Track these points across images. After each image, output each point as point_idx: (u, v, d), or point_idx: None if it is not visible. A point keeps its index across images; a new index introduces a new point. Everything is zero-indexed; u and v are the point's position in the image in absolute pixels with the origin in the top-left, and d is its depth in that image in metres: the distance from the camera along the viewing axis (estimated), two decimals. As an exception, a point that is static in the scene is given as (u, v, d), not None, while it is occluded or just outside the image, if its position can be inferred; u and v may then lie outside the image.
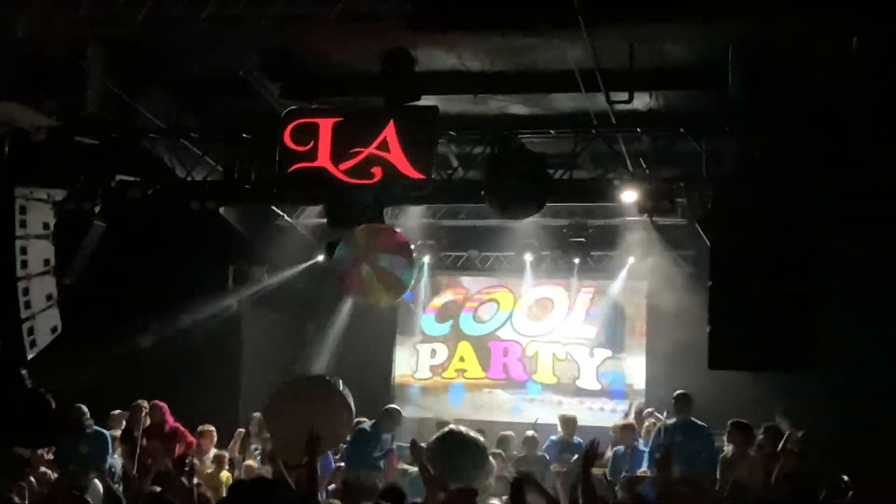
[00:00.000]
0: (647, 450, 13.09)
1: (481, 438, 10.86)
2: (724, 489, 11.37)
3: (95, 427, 13.17)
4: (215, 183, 13.43)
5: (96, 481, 12.25)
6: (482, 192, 12.44)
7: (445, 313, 19.52)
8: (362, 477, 12.69)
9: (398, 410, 13.76)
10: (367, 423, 13.30)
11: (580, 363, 18.61)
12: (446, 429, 10.83)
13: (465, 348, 19.28)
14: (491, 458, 12.84)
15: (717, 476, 11.82)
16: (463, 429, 10.82)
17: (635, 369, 18.20)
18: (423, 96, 12.28)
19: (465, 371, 19.18)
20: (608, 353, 18.49)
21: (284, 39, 12.17)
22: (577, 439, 13.86)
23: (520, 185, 12.14)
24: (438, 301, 19.57)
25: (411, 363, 19.50)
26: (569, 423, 14.27)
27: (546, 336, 18.88)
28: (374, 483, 12.30)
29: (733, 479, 11.34)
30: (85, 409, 13.12)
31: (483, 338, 19.23)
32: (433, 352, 19.44)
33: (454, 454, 10.12)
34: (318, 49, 12.54)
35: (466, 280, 19.55)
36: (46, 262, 13.63)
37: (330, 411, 10.84)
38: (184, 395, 14.21)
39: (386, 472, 12.97)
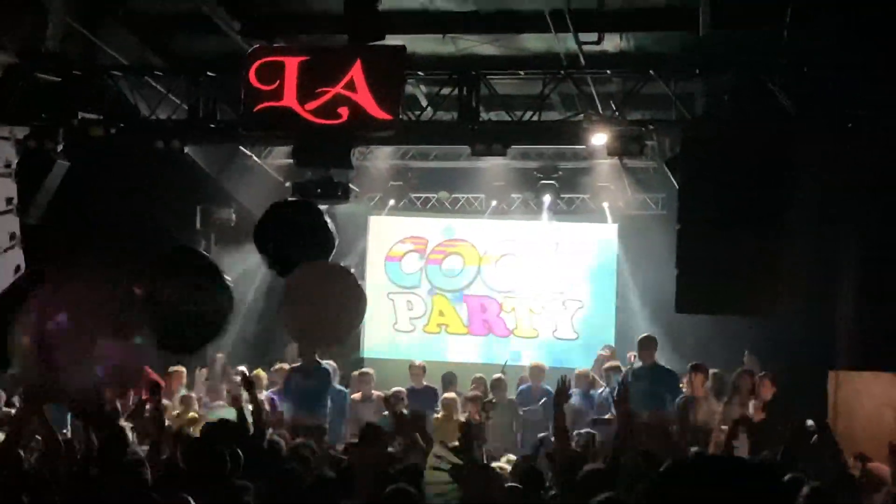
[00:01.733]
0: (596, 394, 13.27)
1: None
2: (685, 433, 11.41)
3: None
4: (180, 122, 13.25)
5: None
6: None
7: (409, 264, 19.00)
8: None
9: None
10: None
11: (555, 316, 18.33)
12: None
13: (441, 302, 18.80)
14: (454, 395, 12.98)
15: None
16: None
17: (606, 315, 18.08)
18: (390, 36, 12.11)
19: (447, 326, 18.73)
20: (579, 302, 18.34)
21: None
22: (546, 386, 13.85)
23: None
24: (398, 250, 19.03)
25: (387, 313, 18.80)
26: (538, 371, 14.23)
27: (518, 291, 18.54)
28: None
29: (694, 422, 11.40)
30: None
31: (456, 292, 18.76)
32: (409, 303, 18.89)
33: None
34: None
35: (422, 229, 19.01)
36: (9, 200, 13.48)
37: (345, 298, 10.64)
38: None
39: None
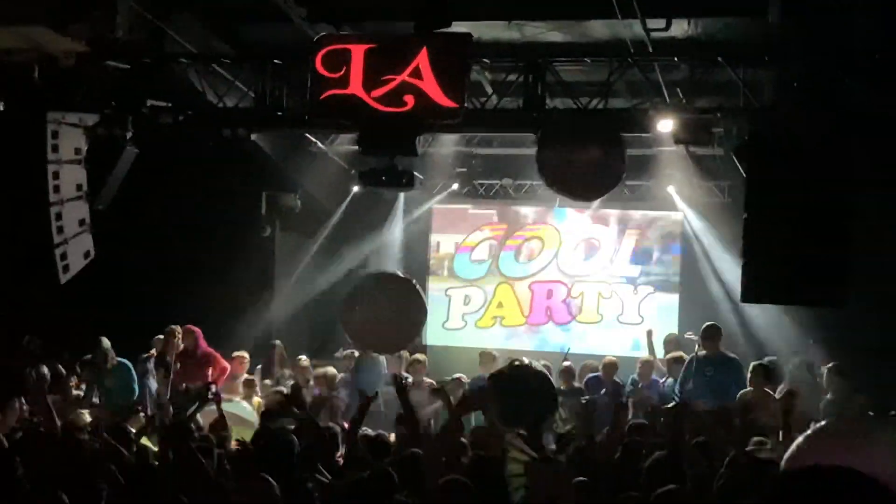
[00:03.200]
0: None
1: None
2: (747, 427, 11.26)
3: (118, 359, 13.06)
4: (247, 110, 13.34)
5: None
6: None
7: (482, 252, 19.02)
8: None
9: None
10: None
11: (624, 300, 18.31)
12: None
13: (504, 292, 18.77)
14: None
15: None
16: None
17: (672, 302, 18.00)
18: (456, 23, 12.11)
19: (502, 318, 18.70)
20: (650, 288, 18.27)
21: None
22: (617, 380, 13.79)
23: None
24: (474, 239, 19.10)
25: (440, 312, 18.80)
26: (610, 367, 14.09)
27: (592, 276, 18.52)
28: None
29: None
30: (105, 340, 13.01)
31: (526, 279, 18.77)
32: (466, 298, 18.92)
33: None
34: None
35: (507, 214, 19.07)
36: (79, 187, 13.67)
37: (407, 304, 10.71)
38: (216, 322, 14.28)
39: None
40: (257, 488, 5.66)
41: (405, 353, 14.74)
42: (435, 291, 18.77)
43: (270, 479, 5.71)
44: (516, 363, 9.09)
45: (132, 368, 13.07)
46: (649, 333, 15.48)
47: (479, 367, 14.15)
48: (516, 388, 8.41)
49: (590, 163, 12.36)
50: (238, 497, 5.66)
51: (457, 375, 13.59)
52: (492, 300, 18.79)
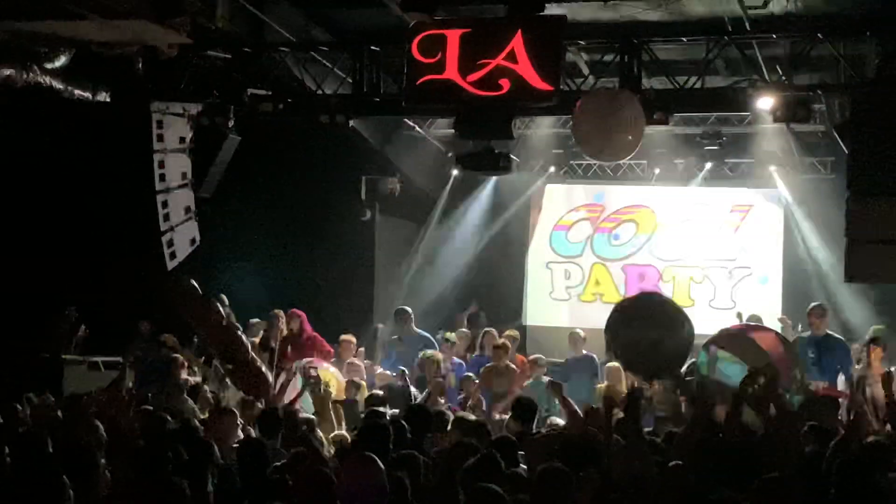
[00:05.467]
0: None
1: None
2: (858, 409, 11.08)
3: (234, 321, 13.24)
4: (345, 96, 13.48)
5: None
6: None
7: (578, 233, 18.96)
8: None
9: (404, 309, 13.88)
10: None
11: (717, 285, 18.06)
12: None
13: (599, 271, 18.72)
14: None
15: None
16: None
17: (773, 282, 17.74)
18: (551, 4, 12.08)
19: (602, 295, 18.53)
20: (748, 270, 18.04)
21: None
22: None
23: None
24: (570, 219, 19.04)
25: (545, 280, 18.97)
26: None
27: (685, 260, 18.32)
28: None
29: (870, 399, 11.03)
30: (225, 298, 12.85)
31: (618, 262, 18.68)
32: (567, 272, 18.88)
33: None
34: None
35: (604, 195, 19.01)
36: (184, 175, 14.00)
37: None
38: (319, 306, 14.50)
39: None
40: (361, 465, 5.75)
41: (467, 332, 14.85)
42: (536, 264, 18.94)
43: (373, 455, 5.79)
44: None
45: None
46: (739, 316, 15.30)
47: (569, 347, 14.18)
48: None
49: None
50: (343, 478, 5.75)
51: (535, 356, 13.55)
52: (590, 277, 18.76)
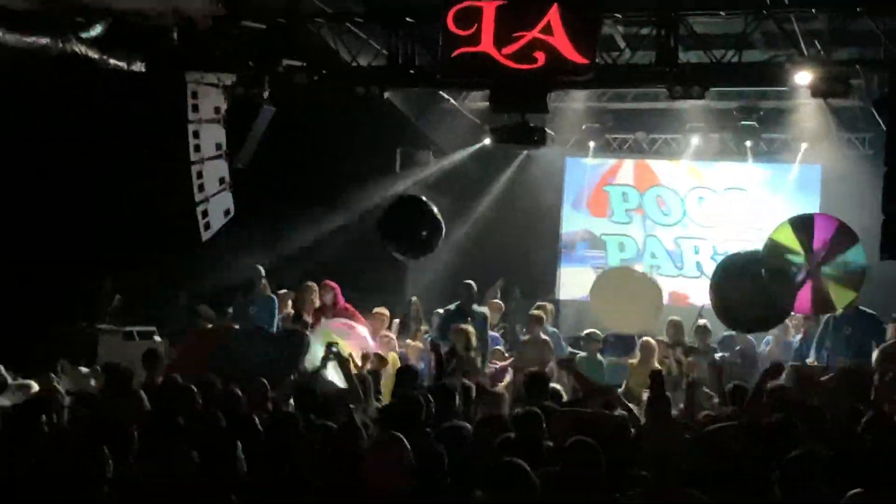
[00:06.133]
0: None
1: None
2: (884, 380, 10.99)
3: (268, 293, 13.31)
4: (379, 68, 13.47)
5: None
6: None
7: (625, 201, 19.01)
8: None
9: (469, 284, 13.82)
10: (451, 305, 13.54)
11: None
12: None
13: (653, 243, 18.72)
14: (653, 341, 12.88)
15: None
16: None
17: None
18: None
19: (658, 268, 18.46)
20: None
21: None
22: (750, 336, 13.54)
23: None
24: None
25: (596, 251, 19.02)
26: None
27: (731, 229, 18.24)
28: None
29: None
30: (262, 270, 13.23)
31: (670, 228, 18.72)
32: (621, 245, 18.90)
33: None
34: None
35: (640, 169, 18.93)
36: (218, 146, 14.04)
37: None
38: (352, 278, 14.51)
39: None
40: (389, 447, 5.75)
41: (500, 303, 14.82)
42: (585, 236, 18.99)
43: (402, 437, 5.79)
44: None
45: (276, 304, 13.34)
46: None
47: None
48: None
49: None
50: (370, 457, 5.76)
51: (590, 331, 13.52)
52: (644, 251, 18.70)
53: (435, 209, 13.14)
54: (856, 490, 5.55)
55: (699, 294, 17.73)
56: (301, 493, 6.00)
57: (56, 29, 11.84)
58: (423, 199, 13.38)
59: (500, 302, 15.21)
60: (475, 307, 13.01)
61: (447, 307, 13.29)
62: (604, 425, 6.95)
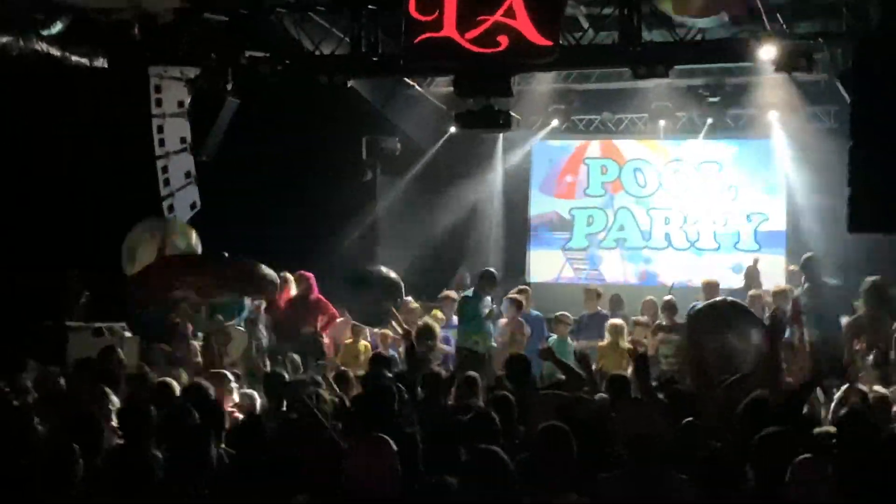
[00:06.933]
0: None
1: None
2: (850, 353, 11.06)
3: None
4: (343, 57, 13.42)
5: (239, 328, 12.73)
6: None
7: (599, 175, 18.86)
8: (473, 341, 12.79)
9: (494, 273, 13.77)
10: (468, 291, 13.49)
11: (741, 230, 18.01)
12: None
13: (624, 215, 18.63)
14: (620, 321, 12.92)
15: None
16: None
17: (777, 234, 17.75)
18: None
19: (625, 241, 18.52)
20: (762, 217, 17.94)
21: None
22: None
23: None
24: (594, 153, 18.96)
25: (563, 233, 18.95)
26: (711, 288, 13.88)
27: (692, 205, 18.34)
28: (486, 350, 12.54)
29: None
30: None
31: (644, 199, 18.57)
32: (590, 218, 18.83)
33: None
34: None
35: (609, 149, 18.85)
36: (183, 139, 14.01)
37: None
38: (322, 267, 14.45)
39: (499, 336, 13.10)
40: (373, 448, 5.66)
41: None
42: (551, 216, 18.97)
43: (385, 437, 5.71)
44: None
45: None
46: (755, 262, 15.32)
47: (583, 304, 14.13)
48: None
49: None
50: (354, 458, 5.66)
51: (560, 314, 13.54)
52: (613, 222, 18.69)
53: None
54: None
55: (665, 268, 17.96)
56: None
57: (18, 26, 11.73)
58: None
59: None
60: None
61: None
62: (584, 409, 6.97)
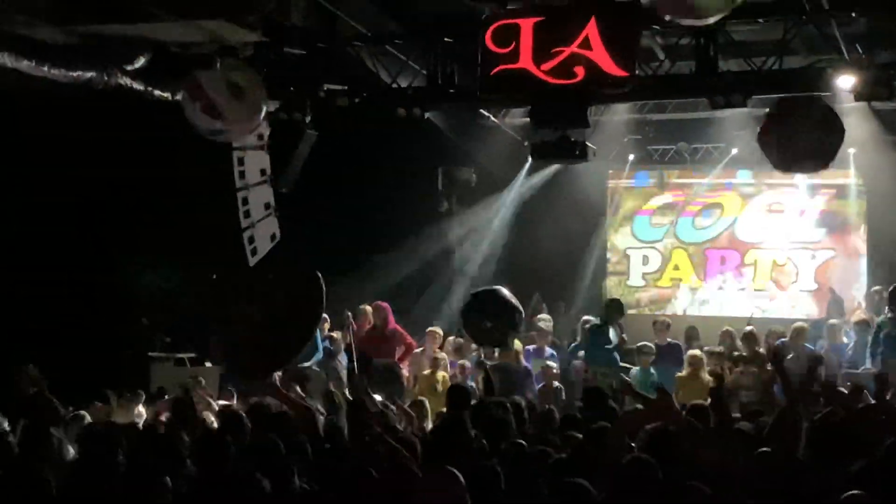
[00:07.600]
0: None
1: None
2: None
3: None
4: (420, 89, 13.53)
5: (315, 368, 12.83)
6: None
7: (661, 217, 18.97)
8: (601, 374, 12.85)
9: (620, 301, 13.79)
10: (597, 319, 13.54)
11: (800, 267, 17.94)
12: None
13: (680, 256, 18.69)
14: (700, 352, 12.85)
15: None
16: None
17: (854, 265, 17.54)
18: (624, -11, 11.99)
19: (680, 280, 18.63)
20: (831, 252, 17.85)
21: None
22: (808, 345, 13.36)
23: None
24: (655, 203, 19.05)
25: (621, 268, 19.12)
26: (797, 334, 13.63)
27: (767, 242, 18.24)
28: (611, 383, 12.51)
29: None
30: None
31: (700, 245, 18.64)
32: (645, 258, 18.92)
33: None
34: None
35: (689, 179, 18.90)
36: (263, 171, 14.16)
37: None
38: (400, 298, 14.56)
39: None
40: (444, 482, 5.67)
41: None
42: (613, 252, 19.13)
43: (454, 470, 5.70)
44: None
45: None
46: (832, 291, 15.18)
47: (654, 335, 14.07)
48: None
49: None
50: (424, 491, 5.68)
51: (640, 344, 13.49)
52: (668, 263, 18.68)
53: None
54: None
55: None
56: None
57: (101, 62, 11.99)
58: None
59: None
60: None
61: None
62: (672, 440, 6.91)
